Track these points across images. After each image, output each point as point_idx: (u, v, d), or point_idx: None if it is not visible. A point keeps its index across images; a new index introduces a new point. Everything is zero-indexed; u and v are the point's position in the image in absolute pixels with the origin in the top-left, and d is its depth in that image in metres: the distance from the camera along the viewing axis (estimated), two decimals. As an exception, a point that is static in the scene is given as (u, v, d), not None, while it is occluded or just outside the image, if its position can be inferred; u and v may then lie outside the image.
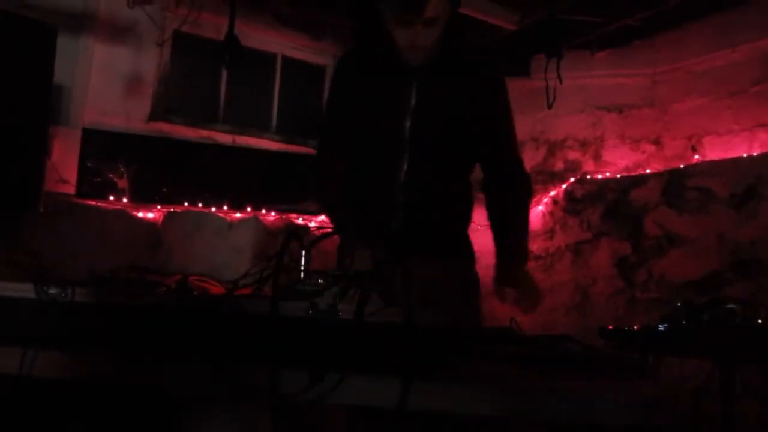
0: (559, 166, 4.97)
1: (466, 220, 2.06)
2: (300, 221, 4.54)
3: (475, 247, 2.08)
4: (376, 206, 1.93)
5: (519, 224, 2.02)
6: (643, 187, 4.44)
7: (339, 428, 1.48)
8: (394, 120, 1.88)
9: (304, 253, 1.15)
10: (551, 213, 4.83)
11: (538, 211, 4.87)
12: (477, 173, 2.10)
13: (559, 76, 4.46)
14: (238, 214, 4.33)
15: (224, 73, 4.63)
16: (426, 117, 1.88)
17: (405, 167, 1.88)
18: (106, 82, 4.10)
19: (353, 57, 2.05)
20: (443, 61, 1.90)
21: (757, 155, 4.01)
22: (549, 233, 4.80)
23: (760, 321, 2.38)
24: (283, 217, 4.47)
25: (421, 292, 1.75)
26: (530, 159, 4.94)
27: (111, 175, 4.00)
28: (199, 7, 4.22)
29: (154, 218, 4.07)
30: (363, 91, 1.94)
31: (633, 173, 4.67)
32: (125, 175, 4.03)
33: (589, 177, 4.80)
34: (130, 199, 4.02)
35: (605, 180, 4.72)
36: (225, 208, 4.29)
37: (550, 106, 4.57)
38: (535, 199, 4.90)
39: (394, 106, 1.89)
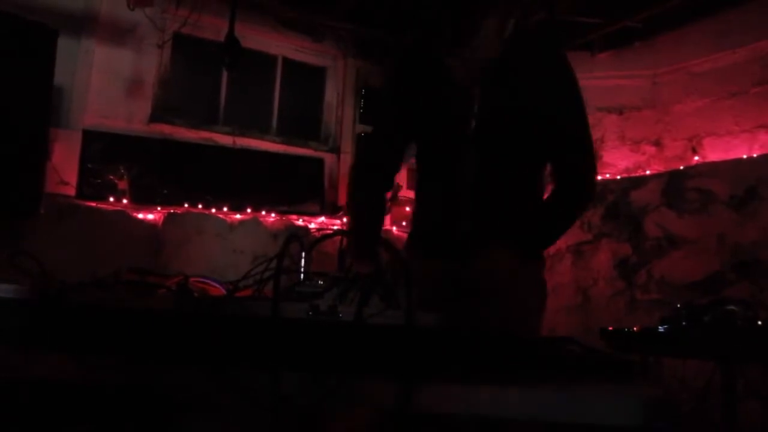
0: (560, 167, 4.96)
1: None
2: (300, 223, 4.54)
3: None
4: (445, 209, 1.87)
5: (547, 233, 1.91)
6: (644, 189, 4.44)
7: (340, 430, 1.48)
8: (458, 121, 1.82)
9: (304, 254, 1.15)
10: (552, 214, 4.83)
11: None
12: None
13: (559, 78, 4.46)
14: (238, 216, 4.33)
15: (225, 75, 4.64)
16: (490, 117, 1.80)
17: (473, 169, 1.81)
18: (107, 84, 4.11)
19: (417, 50, 1.94)
20: (505, 57, 1.81)
21: (758, 156, 4.01)
22: (549, 234, 4.79)
23: (760, 322, 2.38)
24: (284, 218, 4.48)
25: (487, 289, 1.74)
26: (531, 160, 4.92)
27: (111, 177, 4.00)
28: (199, 9, 4.23)
29: (154, 220, 4.07)
30: (428, 87, 1.86)
31: (633, 174, 4.67)
32: (126, 177, 4.03)
33: (589, 178, 4.80)
34: (130, 201, 4.02)
35: (605, 181, 4.72)
36: (225, 209, 4.29)
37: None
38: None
39: (458, 108, 1.82)
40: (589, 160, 1.93)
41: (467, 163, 1.81)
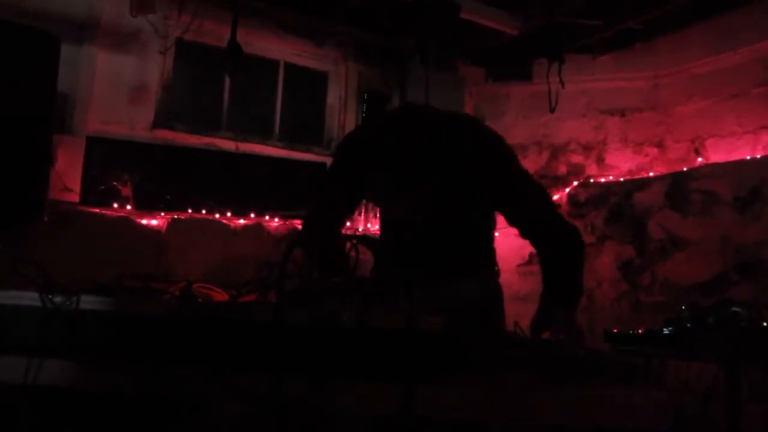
0: (562, 170, 4.97)
1: (488, 236, 2.08)
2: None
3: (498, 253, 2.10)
4: (395, 258, 2.03)
5: (573, 287, 1.97)
6: (647, 191, 4.43)
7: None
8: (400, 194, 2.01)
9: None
10: (555, 217, 4.82)
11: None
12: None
13: (561, 80, 4.47)
14: (241, 221, 4.34)
15: (227, 81, 4.65)
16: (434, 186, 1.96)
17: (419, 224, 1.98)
18: (110, 91, 4.12)
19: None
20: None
21: (761, 157, 4.00)
22: (553, 237, 4.78)
23: (765, 323, 2.37)
24: (287, 223, 4.48)
25: (444, 309, 1.80)
26: (533, 163, 4.94)
27: (115, 183, 4.01)
28: (201, 15, 4.24)
29: (158, 225, 4.08)
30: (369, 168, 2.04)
31: (636, 176, 4.67)
32: (129, 183, 4.04)
33: (592, 181, 4.80)
34: (134, 207, 4.03)
35: (608, 183, 4.72)
36: (228, 214, 4.30)
37: (552, 110, 4.58)
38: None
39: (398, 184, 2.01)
40: (550, 212, 1.98)
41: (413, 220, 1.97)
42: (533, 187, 1.95)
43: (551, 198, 2.02)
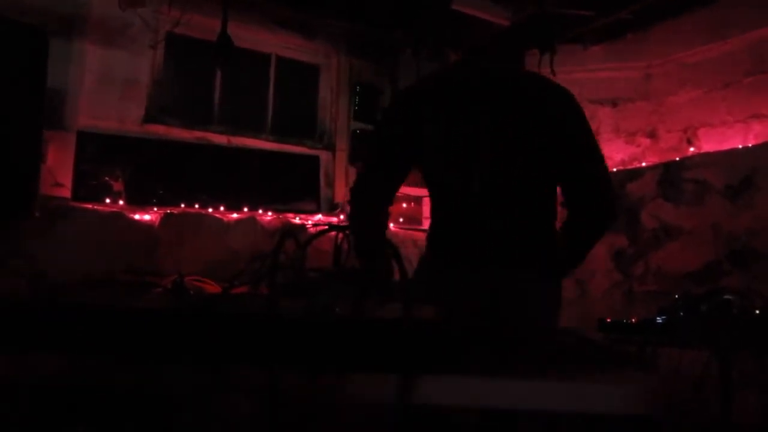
0: (555, 160, 4.97)
1: (552, 215, 1.99)
2: (297, 221, 4.54)
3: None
4: (463, 219, 1.91)
5: (582, 257, 1.95)
6: (639, 180, 4.45)
7: (340, 426, 1.48)
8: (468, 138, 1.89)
9: (300, 251, 1.15)
10: (548, 208, 4.83)
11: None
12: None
13: (552, 71, 4.47)
14: (234, 215, 4.33)
15: (218, 74, 4.63)
16: (501, 135, 1.87)
17: (487, 181, 1.86)
18: (100, 86, 4.09)
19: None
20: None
21: (752, 146, 4.02)
22: (546, 228, 4.80)
23: (757, 311, 2.39)
24: (280, 217, 4.47)
25: (502, 302, 1.77)
26: (526, 154, 4.94)
27: (107, 178, 3.99)
28: (191, 8, 4.21)
29: (150, 220, 4.07)
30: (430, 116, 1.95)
31: (629, 166, 4.68)
32: (121, 178, 4.03)
33: (584, 171, 4.80)
34: (126, 202, 4.01)
35: (601, 174, 4.72)
36: (222, 209, 4.29)
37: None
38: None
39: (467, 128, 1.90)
40: (603, 172, 1.95)
41: (482, 175, 1.84)
42: (597, 149, 1.93)
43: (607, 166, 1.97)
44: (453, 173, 1.90)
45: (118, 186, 4.01)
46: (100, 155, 4.00)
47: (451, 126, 1.87)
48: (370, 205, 2.01)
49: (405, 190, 4.59)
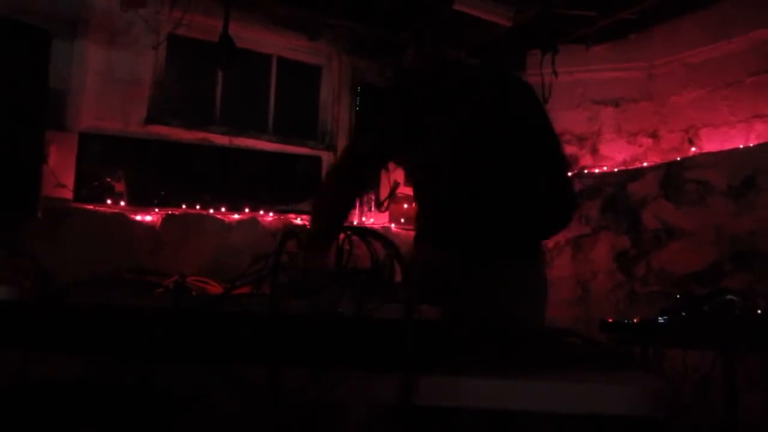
0: (557, 161, 4.96)
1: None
2: (299, 221, 4.54)
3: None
4: (453, 206, 1.94)
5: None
6: (641, 181, 4.44)
7: (343, 426, 1.48)
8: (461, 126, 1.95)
9: (302, 251, 1.15)
10: (550, 208, 4.83)
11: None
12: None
13: (554, 71, 4.47)
14: (236, 216, 4.33)
15: (220, 75, 4.63)
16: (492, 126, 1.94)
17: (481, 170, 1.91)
18: (102, 86, 4.10)
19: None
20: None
21: (754, 146, 4.01)
22: (548, 228, 4.79)
23: (759, 311, 2.38)
24: (282, 217, 4.47)
25: (491, 292, 1.81)
26: (528, 154, 4.94)
27: (108, 179, 3.99)
28: (193, 9, 4.22)
29: (152, 221, 4.07)
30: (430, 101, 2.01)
31: (631, 167, 4.67)
32: (123, 179, 4.03)
33: (587, 171, 4.81)
34: (128, 203, 4.01)
35: (603, 174, 4.72)
36: (223, 209, 4.29)
37: (545, 101, 4.58)
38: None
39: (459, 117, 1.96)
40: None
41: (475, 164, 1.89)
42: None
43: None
44: (446, 170, 1.94)
45: (119, 187, 4.01)
46: (102, 156, 4.00)
47: (443, 124, 1.92)
48: (357, 196, 2.08)
49: (405, 189, 4.59)
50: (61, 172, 3.86)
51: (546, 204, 1.92)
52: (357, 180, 2.04)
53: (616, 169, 4.69)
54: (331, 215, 1.97)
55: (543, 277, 2.00)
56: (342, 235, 1.16)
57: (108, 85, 4.13)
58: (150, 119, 4.28)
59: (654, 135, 4.75)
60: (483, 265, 1.86)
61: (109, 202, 3.96)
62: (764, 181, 3.77)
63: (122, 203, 4.00)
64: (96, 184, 3.96)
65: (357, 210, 4.64)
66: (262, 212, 4.41)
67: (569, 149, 4.95)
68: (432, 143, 1.94)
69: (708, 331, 2.46)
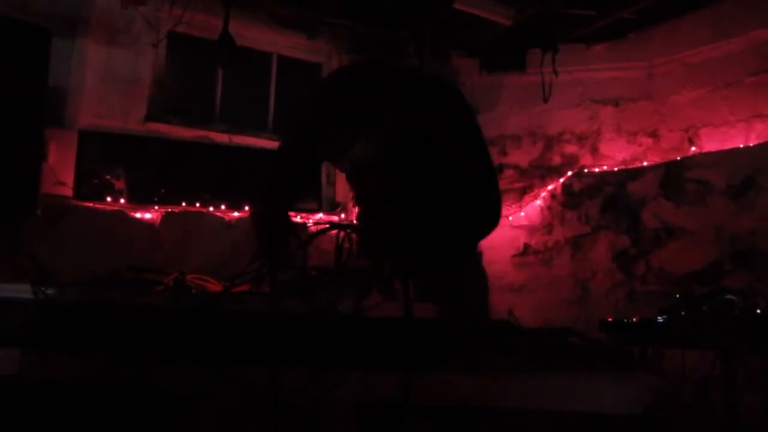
0: (557, 160, 4.97)
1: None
2: (298, 219, 4.54)
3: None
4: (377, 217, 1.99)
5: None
6: (641, 180, 4.44)
7: (344, 425, 1.47)
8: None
9: (301, 249, 1.15)
10: (549, 207, 4.83)
11: (536, 205, 4.87)
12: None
13: (554, 70, 4.47)
14: (236, 214, 4.33)
15: (220, 73, 4.62)
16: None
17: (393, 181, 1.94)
18: (102, 84, 4.09)
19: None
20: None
21: (754, 146, 4.01)
22: (547, 227, 4.80)
23: (759, 311, 2.38)
24: (282, 215, 4.46)
25: (427, 291, 1.82)
26: (527, 154, 4.95)
27: (108, 177, 3.99)
28: (193, 7, 4.21)
29: (152, 219, 4.07)
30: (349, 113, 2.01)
31: (630, 166, 4.67)
32: (122, 177, 4.02)
33: (586, 171, 4.81)
34: (127, 201, 4.01)
35: (603, 173, 4.72)
36: (223, 207, 4.29)
37: (546, 101, 4.59)
38: (532, 194, 4.91)
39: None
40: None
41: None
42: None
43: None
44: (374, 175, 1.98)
45: (119, 184, 4.01)
46: (101, 154, 4.00)
47: (368, 128, 1.94)
48: (286, 188, 2.10)
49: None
50: (60, 170, 3.85)
51: (466, 214, 1.93)
52: (281, 173, 2.13)
53: (615, 169, 4.69)
54: (267, 209, 2.11)
55: (477, 278, 2.04)
56: (342, 233, 1.16)
57: (108, 82, 4.13)
58: (150, 117, 4.28)
59: (654, 134, 4.75)
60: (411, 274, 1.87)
61: (108, 199, 3.95)
62: (764, 180, 3.77)
63: (122, 201, 3.99)
64: (96, 181, 3.95)
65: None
66: (261, 210, 4.40)
67: (569, 148, 4.95)
68: (356, 147, 1.98)
69: (707, 330, 2.46)
